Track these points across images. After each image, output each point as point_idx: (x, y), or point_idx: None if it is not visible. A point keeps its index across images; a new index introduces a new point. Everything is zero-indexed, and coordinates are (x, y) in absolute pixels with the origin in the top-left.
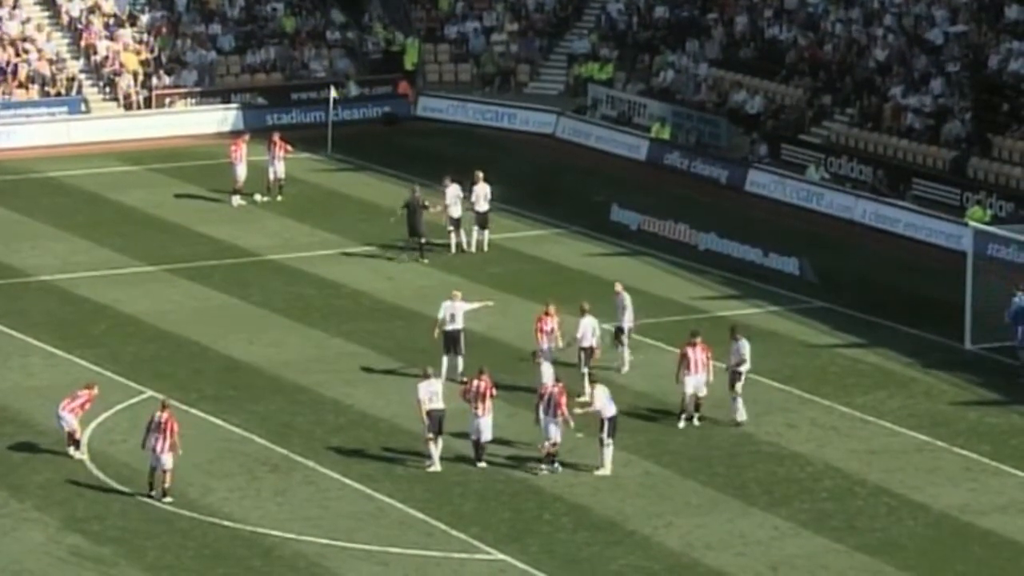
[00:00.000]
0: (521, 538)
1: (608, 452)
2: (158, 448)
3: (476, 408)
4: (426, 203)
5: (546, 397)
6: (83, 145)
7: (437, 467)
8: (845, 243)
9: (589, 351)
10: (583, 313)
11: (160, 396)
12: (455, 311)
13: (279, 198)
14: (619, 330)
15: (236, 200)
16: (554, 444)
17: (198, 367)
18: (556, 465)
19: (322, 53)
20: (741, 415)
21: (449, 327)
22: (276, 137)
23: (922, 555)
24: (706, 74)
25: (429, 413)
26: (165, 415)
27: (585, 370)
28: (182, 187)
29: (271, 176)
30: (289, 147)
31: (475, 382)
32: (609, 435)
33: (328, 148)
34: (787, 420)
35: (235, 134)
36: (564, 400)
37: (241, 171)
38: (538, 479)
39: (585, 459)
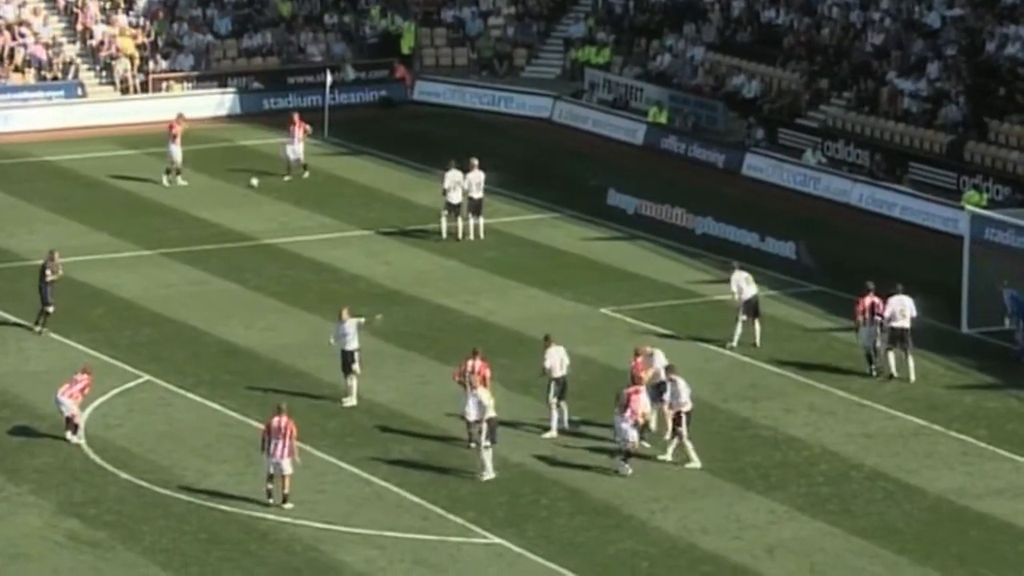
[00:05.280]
0: (518, 522)
1: (689, 445)
2: (277, 453)
3: (475, 389)
4: (48, 271)
5: (621, 398)
6: (80, 129)
7: (492, 475)
8: (842, 227)
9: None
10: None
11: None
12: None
13: (305, 175)
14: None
15: (175, 180)
16: (626, 442)
17: (195, 351)
18: (627, 466)
19: (319, 37)
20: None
21: (347, 347)
22: (296, 117)
23: (918, 539)
24: (703, 58)
25: (488, 420)
26: (284, 419)
27: (554, 400)
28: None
29: (291, 156)
30: (308, 127)
31: (469, 362)
32: (687, 427)
33: (325, 132)
34: (784, 404)
35: (178, 115)
36: (636, 401)
37: (176, 151)
38: (535, 463)
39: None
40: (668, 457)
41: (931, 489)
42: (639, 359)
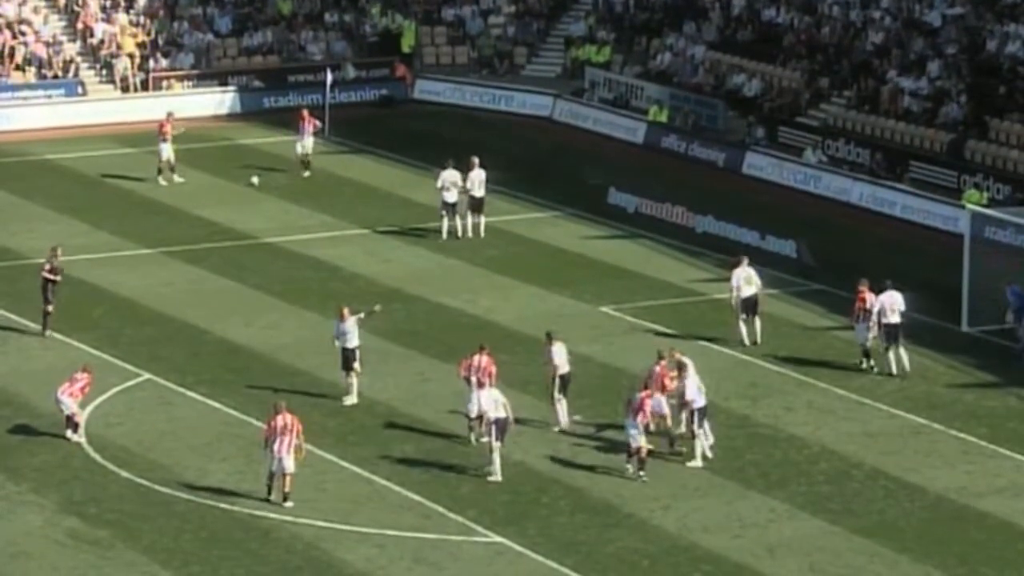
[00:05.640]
0: (519, 521)
1: (699, 443)
2: (280, 450)
3: (483, 388)
4: (48, 264)
5: (633, 402)
6: (80, 128)
7: (498, 476)
8: (842, 226)
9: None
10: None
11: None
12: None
13: (305, 173)
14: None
15: (171, 178)
16: (637, 448)
17: (195, 350)
18: (630, 468)
19: (319, 36)
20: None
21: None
22: (305, 113)
23: (919, 537)
24: (703, 57)
25: (496, 421)
26: (288, 417)
27: (559, 395)
28: (179, 169)
29: (299, 151)
30: (317, 123)
31: (475, 358)
32: (699, 425)
33: (325, 131)
34: (784, 403)
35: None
36: (647, 408)
37: (166, 149)
38: (535, 462)
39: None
40: (707, 455)
41: (931, 488)
42: (663, 363)
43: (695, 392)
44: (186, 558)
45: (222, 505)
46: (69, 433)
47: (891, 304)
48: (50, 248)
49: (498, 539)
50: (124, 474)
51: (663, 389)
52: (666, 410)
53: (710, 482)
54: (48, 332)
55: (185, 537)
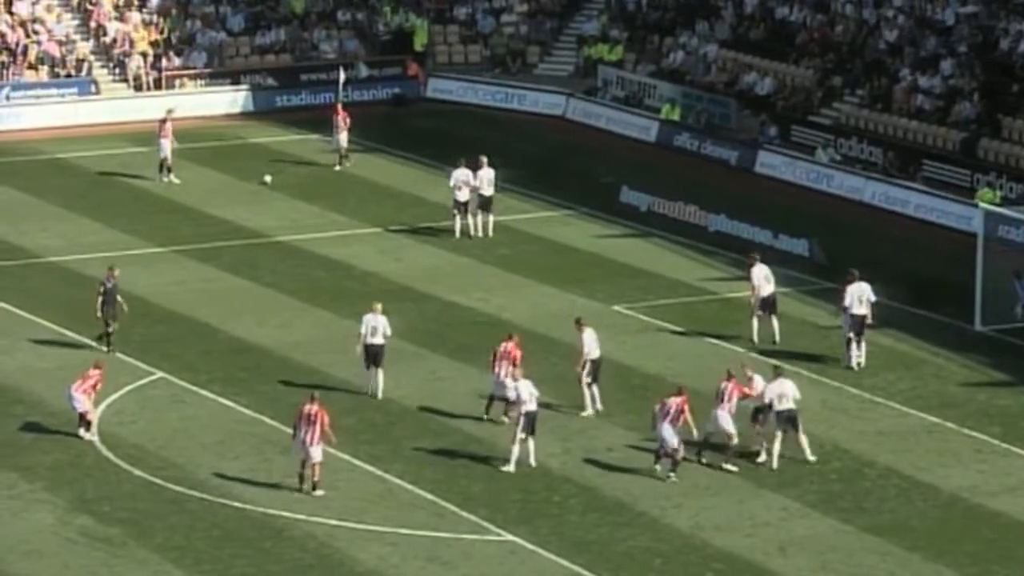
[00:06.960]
0: (531, 520)
1: (777, 444)
2: (308, 440)
3: (500, 370)
4: (103, 291)
5: (669, 407)
6: (93, 126)
7: (511, 468)
8: (855, 224)
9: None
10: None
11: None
12: (377, 324)
13: (347, 164)
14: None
15: (167, 177)
16: (675, 450)
17: (207, 348)
18: (672, 474)
19: (332, 34)
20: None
21: (371, 341)
22: (339, 107)
23: (931, 536)
24: (716, 55)
25: (526, 414)
26: (315, 407)
27: (587, 379)
28: (191, 168)
29: (334, 145)
30: (349, 117)
31: (502, 344)
32: (779, 428)
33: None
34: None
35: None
36: (687, 410)
37: (166, 145)
38: (547, 460)
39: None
40: (790, 456)
41: (944, 486)
42: (733, 381)
43: (772, 394)
44: (198, 556)
45: (234, 503)
46: (82, 431)
47: (859, 295)
48: (109, 269)
49: (510, 538)
50: (136, 472)
51: (746, 396)
52: (731, 428)
53: (722, 481)
54: (111, 350)
55: (197, 535)
